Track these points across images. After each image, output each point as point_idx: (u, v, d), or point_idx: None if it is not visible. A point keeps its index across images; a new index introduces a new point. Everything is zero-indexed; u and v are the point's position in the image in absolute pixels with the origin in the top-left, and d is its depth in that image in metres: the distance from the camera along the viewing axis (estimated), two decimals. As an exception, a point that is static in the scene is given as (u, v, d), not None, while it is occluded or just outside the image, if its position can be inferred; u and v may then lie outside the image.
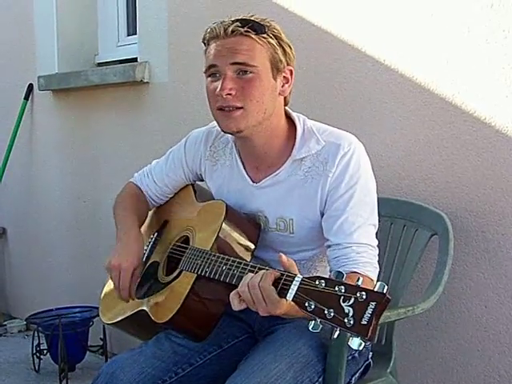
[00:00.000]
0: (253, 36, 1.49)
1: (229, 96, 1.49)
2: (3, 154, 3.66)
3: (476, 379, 1.94)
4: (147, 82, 2.91)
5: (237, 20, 1.51)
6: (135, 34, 3.09)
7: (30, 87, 3.57)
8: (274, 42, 1.51)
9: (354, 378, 1.62)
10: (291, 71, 1.57)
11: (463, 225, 1.92)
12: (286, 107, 1.62)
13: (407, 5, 2.01)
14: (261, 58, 1.50)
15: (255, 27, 1.49)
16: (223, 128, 1.56)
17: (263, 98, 1.52)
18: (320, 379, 1.51)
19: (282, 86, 1.56)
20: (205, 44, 1.57)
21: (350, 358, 1.58)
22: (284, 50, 1.53)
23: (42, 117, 3.58)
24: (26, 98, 3.57)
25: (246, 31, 1.48)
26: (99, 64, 3.40)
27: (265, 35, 1.50)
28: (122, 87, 3.03)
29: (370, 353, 1.69)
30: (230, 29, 1.48)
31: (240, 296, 1.31)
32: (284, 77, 1.56)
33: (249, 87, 1.50)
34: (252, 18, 1.52)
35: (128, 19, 3.32)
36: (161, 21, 2.82)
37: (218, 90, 1.50)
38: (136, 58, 2.99)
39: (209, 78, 1.55)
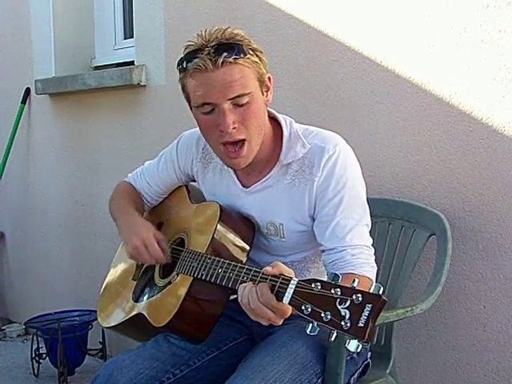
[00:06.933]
0: (240, 62, 1.44)
1: (233, 130, 1.47)
2: (1, 158, 3.66)
3: (475, 379, 1.94)
4: (144, 85, 2.91)
5: (216, 45, 1.43)
6: (132, 37, 3.09)
7: (27, 91, 3.57)
8: (255, 58, 1.47)
9: (352, 379, 1.62)
10: (269, 78, 1.54)
11: (461, 225, 1.92)
12: (269, 109, 1.59)
13: (403, 6, 2.01)
14: (251, 81, 1.47)
15: (239, 51, 1.44)
16: (231, 165, 1.56)
17: (260, 120, 1.51)
18: (319, 380, 1.50)
19: (266, 96, 1.54)
20: (182, 72, 1.49)
21: (348, 358, 1.57)
22: (261, 60, 1.49)
23: (39, 121, 3.58)
24: (24, 102, 3.58)
25: (235, 59, 1.43)
26: (96, 67, 3.40)
27: (248, 55, 1.45)
28: (119, 90, 3.03)
29: (369, 353, 1.69)
30: (221, 61, 1.41)
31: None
32: (265, 85, 1.52)
33: (248, 116, 1.47)
34: (225, 38, 1.44)
35: (125, 22, 3.32)
36: (157, 24, 2.83)
37: (221, 126, 1.46)
38: (133, 61, 2.99)
39: (200, 112, 1.50)
